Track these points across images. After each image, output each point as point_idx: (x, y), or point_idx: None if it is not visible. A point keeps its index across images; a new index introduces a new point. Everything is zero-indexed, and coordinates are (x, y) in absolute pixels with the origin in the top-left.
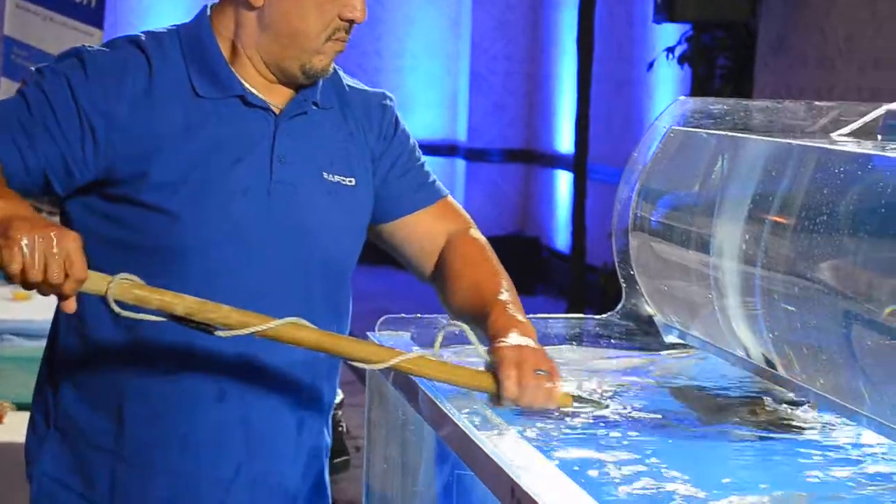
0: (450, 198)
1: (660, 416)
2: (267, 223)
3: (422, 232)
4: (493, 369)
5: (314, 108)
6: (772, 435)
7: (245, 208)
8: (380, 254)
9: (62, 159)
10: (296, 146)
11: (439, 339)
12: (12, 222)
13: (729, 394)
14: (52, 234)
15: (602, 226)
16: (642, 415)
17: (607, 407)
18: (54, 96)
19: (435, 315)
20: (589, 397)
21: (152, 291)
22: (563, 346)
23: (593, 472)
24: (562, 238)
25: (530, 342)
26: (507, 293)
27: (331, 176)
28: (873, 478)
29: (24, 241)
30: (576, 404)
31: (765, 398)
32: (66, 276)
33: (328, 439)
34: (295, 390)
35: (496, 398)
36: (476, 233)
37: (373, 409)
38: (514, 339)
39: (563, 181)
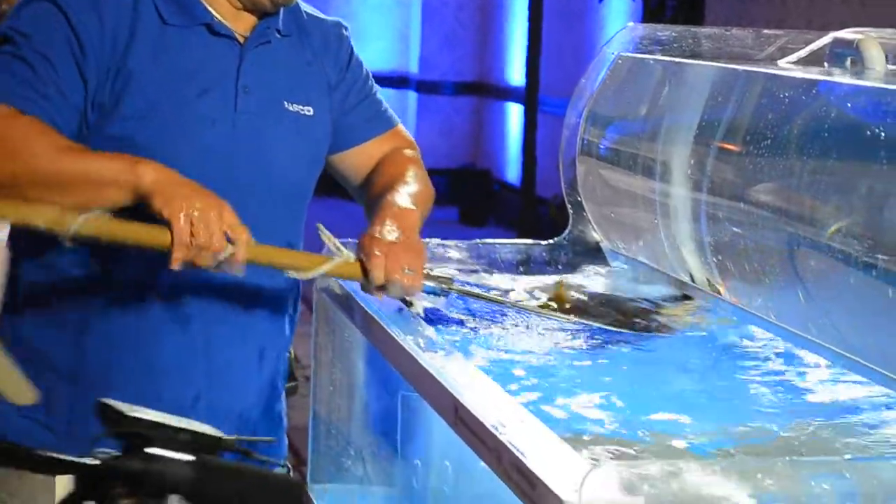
0: (400, 126)
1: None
2: (231, 154)
3: (369, 160)
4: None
5: (277, 36)
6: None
7: (212, 140)
8: (330, 186)
9: (78, 108)
10: (259, 76)
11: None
12: (173, 202)
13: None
14: (213, 210)
15: (552, 158)
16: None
17: (451, 281)
18: (46, 48)
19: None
20: (442, 276)
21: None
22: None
23: (536, 393)
24: (512, 170)
25: (400, 234)
26: (405, 186)
27: (291, 105)
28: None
29: (192, 228)
30: (426, 283)
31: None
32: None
33: (285, 373)
34: (258, 321)
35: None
36: (410, 152)
37: (319, 333)
38: (387, 228)
39: (515, 114)
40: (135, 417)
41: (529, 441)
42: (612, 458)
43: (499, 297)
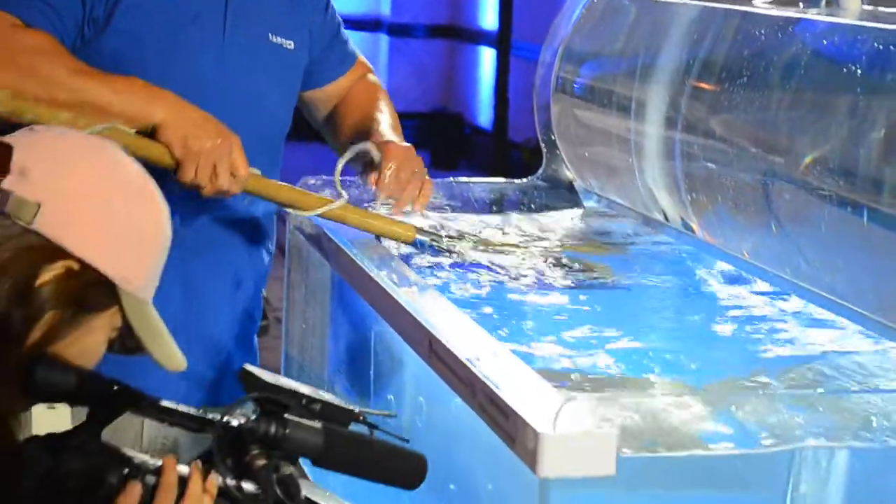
0: (360, 57)
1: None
2: (219, 81)
3: (338, 94)
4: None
5: None
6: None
7: (202, 66)
8: (301, 130)
9: (77, 21)
10: (245, 5)
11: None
12: (189, 133)
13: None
14: (224, 146)
15: (525, 102)
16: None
17: (441, 238)
18: None
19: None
20: (430, 231)
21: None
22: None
23: (511, 329)
24: (485, 114)
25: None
26: (386, 117)
27: (275, 38)
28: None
29: (202, 159)
30: (418, 237)
31: None
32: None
33: (261, 306)
34: (235, 250)
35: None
36: (372, 77)
37: (292, 271)
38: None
39: (487, 58)
40: (273, 384)
41: (504, 374)
42: (586, 391)
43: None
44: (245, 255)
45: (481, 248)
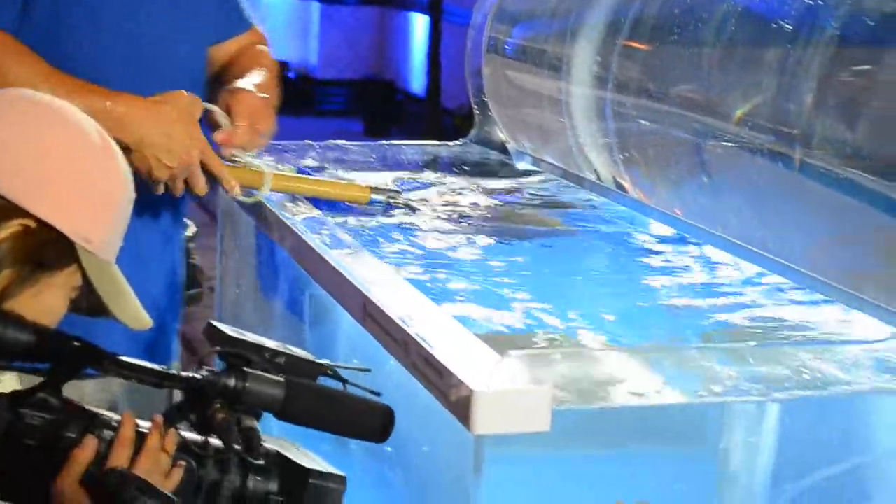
0: (256, 27)
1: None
2: (132, 34)
3: (226, 57)
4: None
5: None
6: None
7: (137, 24)
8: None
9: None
10: None
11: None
12: (154, 163)
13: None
14: (182, 167)
15: (458, 69)
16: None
17: (400, 194)
18: None
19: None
20: (385, 188)
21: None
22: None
23: (444, 288)
24: (417, 81)
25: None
26: (256, 76)
27: None
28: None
29: (168, 181)
30: (374, 196)
31: None
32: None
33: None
34: (164, 207)
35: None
36: (262, 47)
37: (225, 238)
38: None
39: (420, 24)
40: (236, 338)
41: (437, 333)
42: (519, 349)
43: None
44: (171, 211)
45: (431, 205)
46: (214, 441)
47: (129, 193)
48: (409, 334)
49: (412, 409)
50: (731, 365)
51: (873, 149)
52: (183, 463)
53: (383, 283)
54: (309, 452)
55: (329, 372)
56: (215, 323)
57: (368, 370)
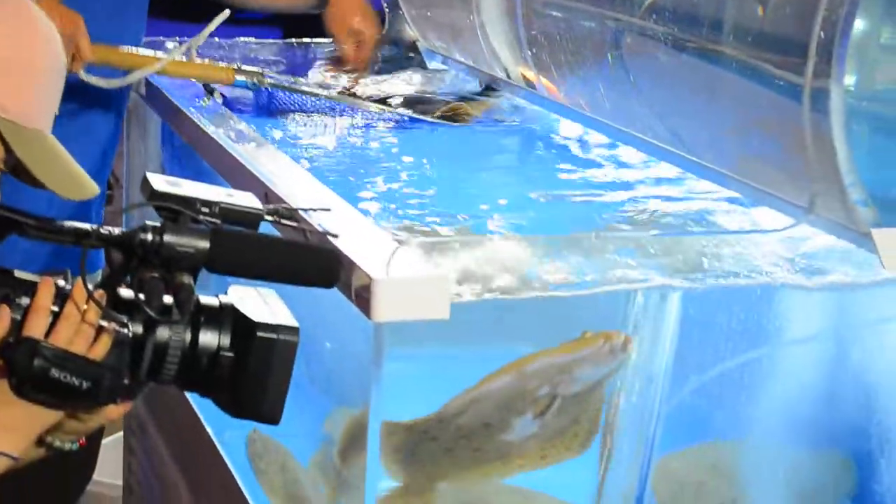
0: None
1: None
2: None
3: None
4: None
5: None
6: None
7: None
8: None
9: None
10: None
11: None
12: None
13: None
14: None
15: None
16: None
17: (263, 75)
18: None
19: None
20: (250, 69)
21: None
22: None
23: (346, 179)
24: None
25: None
26: None
27: None
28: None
29: None
30: (238, 77)
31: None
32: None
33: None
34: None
35: None
36: None
37: (132, 135)
38: None
39: None
40: (163, 192)
41: (338, 222)
42: (420, 236)
43: (310, 90)
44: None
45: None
46: (168, 300)
47: (53, 60)
48: (310, 224)
49: (315, 302)
50: (632, 255)
51: (778, 37)
52: (110, 327)
53: (285, 174)
54: (280, 305)
55: (272, 219)
56: (149, 175)
57: (328, 209)
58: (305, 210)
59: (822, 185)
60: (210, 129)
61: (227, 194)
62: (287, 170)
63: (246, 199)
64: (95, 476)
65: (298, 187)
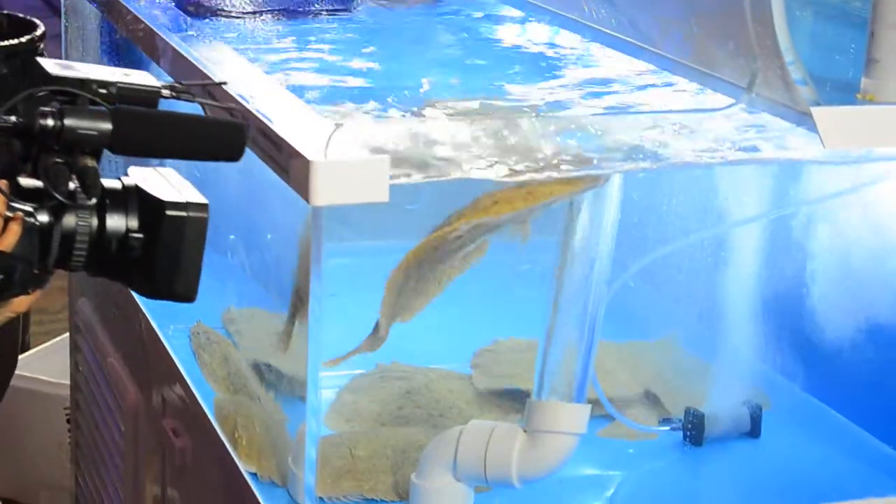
0: None
1: None
2: None
3: None
4: None
5: None
6: None
7: None
8: None
9: None
10: None
11: None
12: None
13: None
14: None
15: None
16: None
17: None
18: None
19: None
20: None
21: None
22: None
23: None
24: None
25: None
26: None
27: None
28: None
29: None
30: None
31: None
32: None
33: None
34: None
35: None
36: None
37: (69, 29)
38: None
39: None
40: (56, 75)
41: (276, 108)
42: (357, 119)
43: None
44: None
45: None
46: (73, 185)
47: None
48: (248, 109)
49: (254, 189)
50: (573, 136)
51: None
52: (18, 216)
53: (223, 62)
54: (184, 182)
55: (173, 94)
56: (41, 60)
57: (225, 83)
58: (203, 85)
59: (763, 64)
60: (147, 19)
61: (123, 74)
62: (224, 57)
63: (142, 78)
64: (42, 376)
65: (235, 74)
